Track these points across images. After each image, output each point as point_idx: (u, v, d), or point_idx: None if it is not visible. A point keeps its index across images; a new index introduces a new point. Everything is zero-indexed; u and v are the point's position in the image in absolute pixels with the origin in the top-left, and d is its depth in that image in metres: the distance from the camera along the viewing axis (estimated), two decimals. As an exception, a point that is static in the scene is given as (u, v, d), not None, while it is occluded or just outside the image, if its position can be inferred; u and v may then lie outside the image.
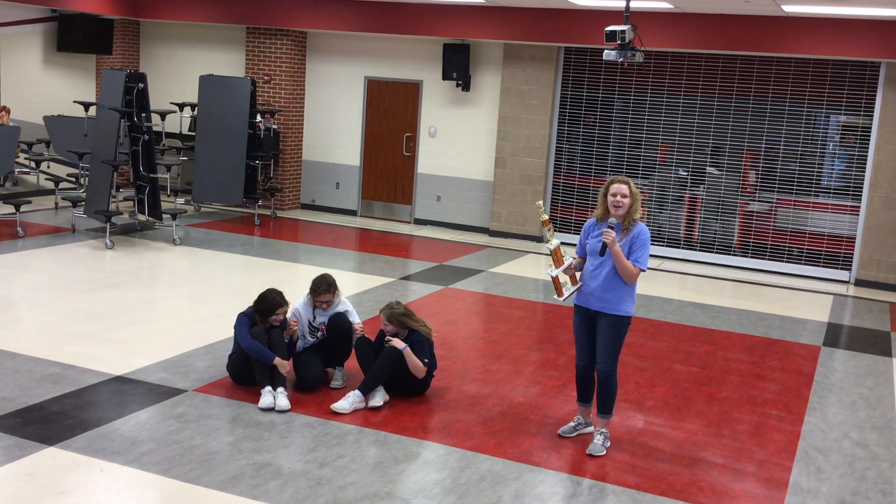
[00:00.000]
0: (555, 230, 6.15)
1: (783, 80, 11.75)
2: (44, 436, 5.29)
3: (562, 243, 5.84)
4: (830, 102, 11.61)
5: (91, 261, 10.00)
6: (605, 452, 5.61)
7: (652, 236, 12.31)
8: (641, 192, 12.54)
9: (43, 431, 5.35)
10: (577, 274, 5.73)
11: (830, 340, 8.84)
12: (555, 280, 5.77)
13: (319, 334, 6.66)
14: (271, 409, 5.92)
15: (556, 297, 5.75)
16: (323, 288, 6.52)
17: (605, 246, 5.42)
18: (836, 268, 11.79)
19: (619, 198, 5.45)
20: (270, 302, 6.35)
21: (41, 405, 5.76)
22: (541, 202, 6.18)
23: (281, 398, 5.98)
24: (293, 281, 10.11)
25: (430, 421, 5.99)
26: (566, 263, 5.69)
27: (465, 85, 13.19)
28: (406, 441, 5.62)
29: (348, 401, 6.01)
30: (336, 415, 5.93)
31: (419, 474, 5.18)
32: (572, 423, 5.92)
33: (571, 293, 5.71)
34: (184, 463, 5.07)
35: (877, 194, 11.34)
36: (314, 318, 6.62)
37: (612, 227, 5.42)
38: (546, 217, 5.95)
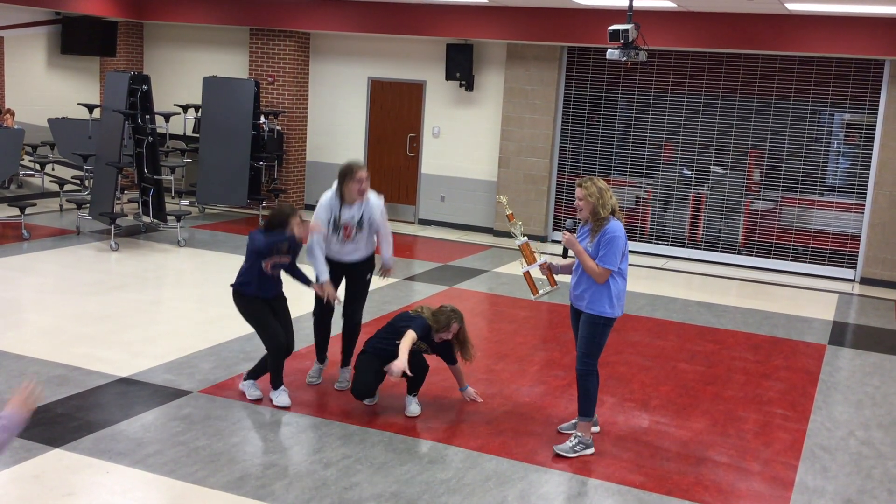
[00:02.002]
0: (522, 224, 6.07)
1: (787, 78, 11.73)
2: (49, 437, 5.30)
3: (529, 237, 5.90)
4: (835, 100, 11.59)
5: (96, 263, 10.02)
6: (572, 456, 5.49)
7: (657, 235, 12.54)
8: (646, 192, 12.67)
9: (49, 433, 5.36)
10: (560, 277, 5.79)
11: (836, 339, 8.82)
12: (526, 276, 5.77)
13: (343, 235, 6.16)
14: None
15: (531, 295, 5.78)
16: (357, 165, 6.08)
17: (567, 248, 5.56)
18: (842, 266, 11.76)
19: (576, 201, 5.50)
20: (280, 214, 5.88)
21: (47, 407, 5.77)
22: (503, 197, 6.17)
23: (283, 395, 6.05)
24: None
25: (434, 421, 5.98)
26: (539, 261, 5.72)
27: (469, 85, 13.19)
28: (411, 441, 5.63)
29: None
30: (341, 415, 5.92)
31: (424, 474, 5.18)
32: (573, 421, 5.91)
33: (546, 293, 5.74)
34: (189, 464, 5.08)
35: (882, 192, 11.31)
36: (340, 215, 6.11)
37: (569, 230, 5.53)
38: (510, 212, 5.95)
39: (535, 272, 5.85)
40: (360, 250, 6.32)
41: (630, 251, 12.55)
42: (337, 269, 6.29)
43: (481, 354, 7.58)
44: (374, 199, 6.27)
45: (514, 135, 12.98)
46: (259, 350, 7.23)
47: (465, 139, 13.47)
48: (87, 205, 11.69)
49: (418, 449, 5.52)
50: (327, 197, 6.18)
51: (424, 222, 13.88)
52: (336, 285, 6.30)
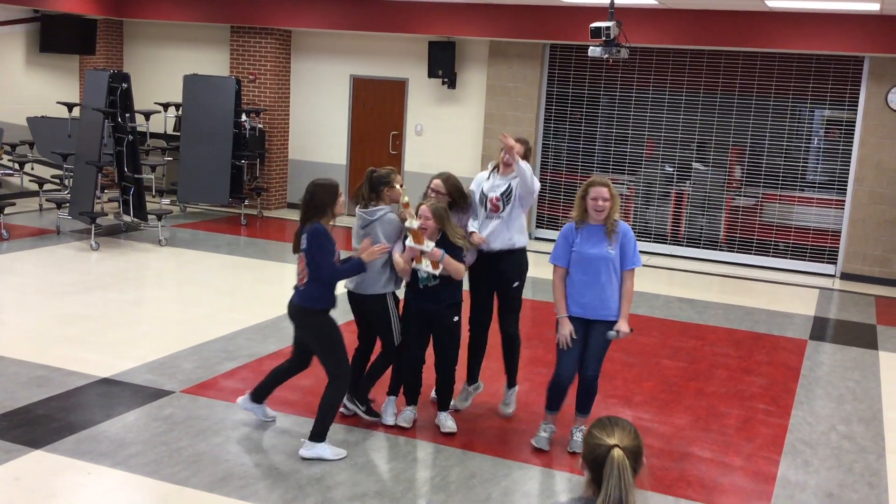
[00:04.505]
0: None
1: (768, 75, 11.79)
2: (30, 439, 5.25)
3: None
4: (815, 97, 11.66)
5: (76, 262, 9.95)
6: None
7: (639, 232, 12.58)
8: (628, 189, 12.71)
9: (29, 435, 5.32)
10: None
11: (817, 334, 8.88)
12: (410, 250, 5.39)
13: (491, 210, 5.68)
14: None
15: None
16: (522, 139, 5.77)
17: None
18: (822, 262, 11.84)
19: (600, 202, 5.19)
20: (329, 188, 5.28)
21: (27, 408, 5.72)
22: (401, 187, 5.69)
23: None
24: (281, 281, 10.08)
25: (418, 419, 5.97)
26: (426, 247, 5.33)
27: (451, 83, 13.18)
28: (394, 440, 5.62)
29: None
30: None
31: (408, 473, 5.17)
32: (545, 435, 5.61)
33: (424, 274, 5.41)
34: (172, 465, 5.04)
35: (861, 188, 11.40)
36: (489, 177, 5.76)
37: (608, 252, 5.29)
38: (406, 200, 5.52)
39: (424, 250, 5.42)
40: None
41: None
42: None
43: (464, 352, 7.56)
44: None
45: (497, 132, 12.94)
46: (241, 350, 7.20)
47: (447, 137, 13.46)
48: (67, 204, 11.60)
49: (401, 447, 5.51)
50: (482, 174, 5.94)
51: (407, 220, 13.84)
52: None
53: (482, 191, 5.84)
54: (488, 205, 5.78)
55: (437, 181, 5.82)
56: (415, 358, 5.74)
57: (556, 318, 5.42)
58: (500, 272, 5.83)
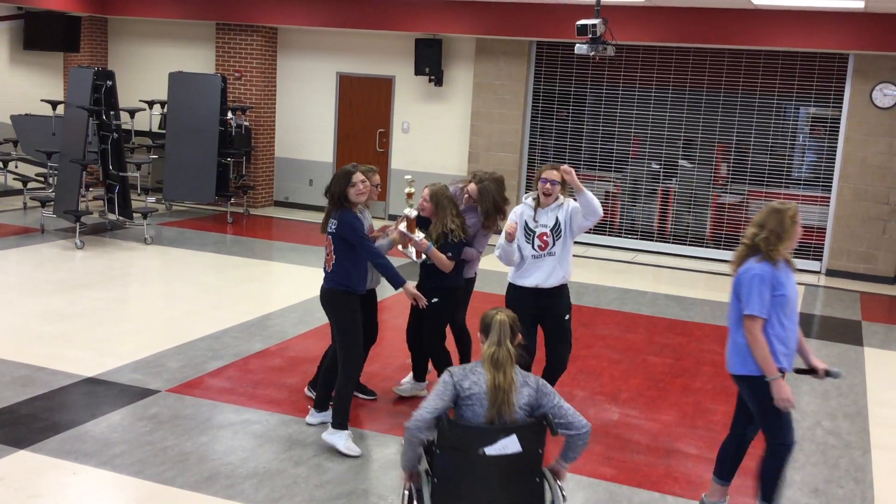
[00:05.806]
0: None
1: (753, 72, 11.84)
2: (14, 439, 5.22)
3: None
4: (800, 94, 11.71)
5: (61, 261, 9.89)
6: None
7: (626, 229, 12.62)
8: (615, 186, 12.75)
9: (13, 434, 5.28)
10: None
11: (802, 330, 8.89)
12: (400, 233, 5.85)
13: (539, 247, 5.50)
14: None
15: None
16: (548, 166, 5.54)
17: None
18: (807, 258, 11.90)
19: (802, 229, 4.69)
20: (343, 174, 5.28)
21: (11, 408, 5.68)
22: (410, 177, 6.18)
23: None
24: (267, 279, 10.05)
25: (404, 418, 5.96)
26: (417, 236, 5.82)
27: (438, 80, 13.17)
28: (381, 438, 5.61)
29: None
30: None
31: (394, 471, 5.16)
32: None
33: (409, 257, 6.02)
34: (157, 464, 5.02)
35: (846, 185, 11.45)
36: (535, 215, 5.53)
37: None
38: (411, 190, 6.05)
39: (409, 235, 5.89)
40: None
41: (600, 245, 12.55)
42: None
43: (450, 350, 7.56)
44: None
45: (484, 130, 12.98)
46: (227, 349, 7.18)
47: (434, 134, 13.45)
48: (52, 202, 11.53)
49: (388, 445, 5.50)
50: (522, 203, 5.68)
51: (395, 218, 13.82)
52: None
53: (526, 226, 5.56)
54: (536, 241, 5.52)
55: (473, 185, 6.01)
56: (409, 332, 6.30)
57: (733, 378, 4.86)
58: (552, 308, 5.62)
